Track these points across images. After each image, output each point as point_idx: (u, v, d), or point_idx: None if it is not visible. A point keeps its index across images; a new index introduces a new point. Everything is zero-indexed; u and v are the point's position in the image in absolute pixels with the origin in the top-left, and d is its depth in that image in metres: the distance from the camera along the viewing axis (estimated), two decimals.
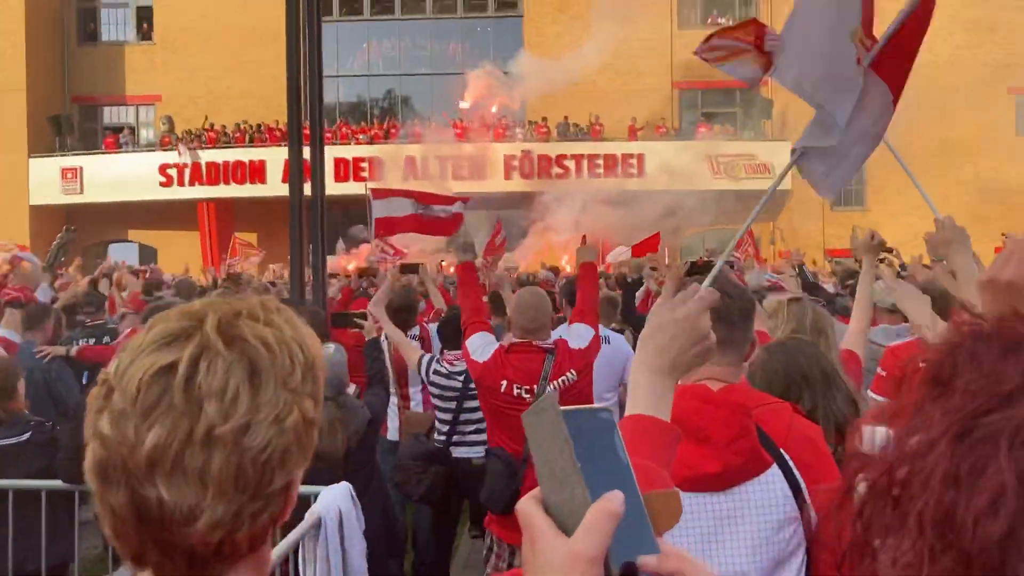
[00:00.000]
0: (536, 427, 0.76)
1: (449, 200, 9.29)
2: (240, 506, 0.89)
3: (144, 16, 26.67)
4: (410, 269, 7.68)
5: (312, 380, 0.96)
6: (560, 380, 4.03)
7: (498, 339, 4.50)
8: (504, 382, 4.01)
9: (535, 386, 3.98)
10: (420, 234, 8.90)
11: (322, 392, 0.99)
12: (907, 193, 23.13)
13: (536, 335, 4.13)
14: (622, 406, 3.83)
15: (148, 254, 25.74)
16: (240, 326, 0.93)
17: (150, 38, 26.58)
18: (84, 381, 6.16)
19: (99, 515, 0.92)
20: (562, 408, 0.74)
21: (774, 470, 1.84)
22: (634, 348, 5.67)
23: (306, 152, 6.49)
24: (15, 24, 24.61)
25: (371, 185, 9.14)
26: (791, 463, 1.86)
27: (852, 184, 24.07)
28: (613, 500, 0.70)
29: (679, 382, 1.42)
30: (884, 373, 4.43)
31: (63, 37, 26.44)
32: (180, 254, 22.47)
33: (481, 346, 4.17)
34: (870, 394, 4.27)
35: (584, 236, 5.54)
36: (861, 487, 0.65)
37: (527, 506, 0.75)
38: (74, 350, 5.99)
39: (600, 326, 4.68)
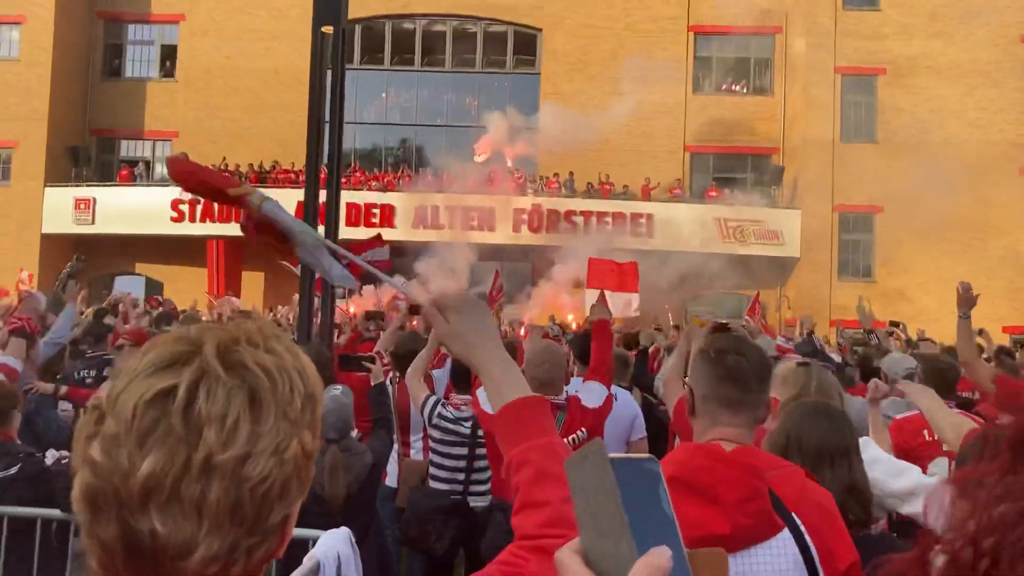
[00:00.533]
0: (579, 474, 0.72)
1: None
2: (236, 540, 0.85)
3: (168, 55, 27.15)
4: (418, 310, 7.56)
5: (311, 411, 0.92)
6: (571, 438, 3.96)
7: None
8: None
9: None
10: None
11: (319, 424, 0.95)
12: (914, 268, 23.21)
13: (549, 389, 4.08)
14: None
15: (155, 287, 25.80)
16: (240, 352, 0.89)
17: (172, 76, 27.02)
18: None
19: (86, 548, 0.86)
20: (610, 456, 0.72)
21: (785, 534, 1.82)
22: (642, 407, 5.63)
23: (321, 196, 6.55)
24: (43, 56, 25.04)
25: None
26: (803, 528, 1.83)
27: (860, 255, 24.16)
28: (661, 555, 0.67)
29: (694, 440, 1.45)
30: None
31: (87, 71, 26.89)
32: (186, 289, 22.54)
33: None
34: None
35: (602, 293, 5.49)
36: (939, 560, 0.61)
37: (567, 557, 0.72)
38: (64, 390, 5.85)
39: None
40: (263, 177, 24.58)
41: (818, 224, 23.56)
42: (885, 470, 2.95)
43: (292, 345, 0.95)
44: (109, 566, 0.85)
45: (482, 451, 4.72)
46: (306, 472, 0.91)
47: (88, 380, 6.52)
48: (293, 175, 24.18)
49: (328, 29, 6.75)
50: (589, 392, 4.22)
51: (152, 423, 0.83)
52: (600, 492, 0.71)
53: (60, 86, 25.44)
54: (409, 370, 5.06)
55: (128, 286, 22.55)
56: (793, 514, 1.85)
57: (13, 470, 3.82)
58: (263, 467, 0.85)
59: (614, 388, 5.27)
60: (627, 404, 5.47)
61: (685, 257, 21.24)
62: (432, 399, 4.93)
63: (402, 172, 25.64)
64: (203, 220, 23.95)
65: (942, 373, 4.69)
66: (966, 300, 4.33)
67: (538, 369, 4.12)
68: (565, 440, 3.62)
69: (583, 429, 4.02)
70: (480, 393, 4.20)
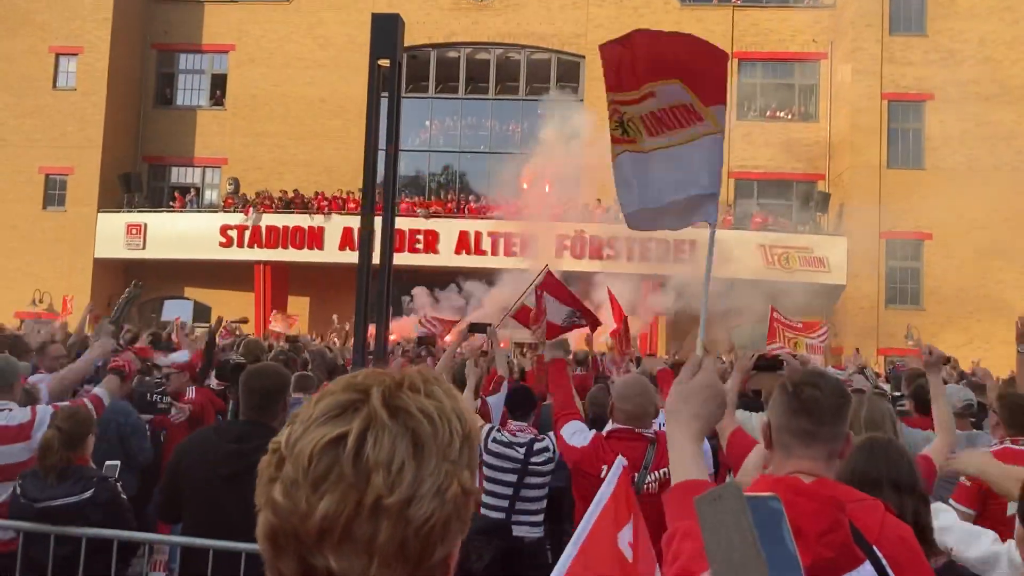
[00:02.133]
0: (713, 514, 0.76)
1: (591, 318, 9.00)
2: None
3: (218, 84, 27.74)
4: (479, 328, 7.46)
5: (469, 450, 0.97)
6: (661, 471, 3.91)
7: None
8: (605, 468, 3.85)
9: (635, 474, 3.87)
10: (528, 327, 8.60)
11: (477, 462, 1.00)
12: (963, 296, 22.77)
13: (639, 422, 4.06)
14: None
15: (203, 311, 26.20)
16: (403, 398, 0.95)
17: (222, 104, 27.59)
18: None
19: None
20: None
21: (866, 567, 1.81)
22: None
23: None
24: (98, 85, 25.74)
25: (510, 265, 8.88)
26: (884, 561, 1.83)
27: (908, 283, 23.78)
28: None
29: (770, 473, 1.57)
30: (969, 483, 4.15)
31: (140, 99, 27.56)
32: (233, 313, 22.84)
33: (576, 432, 4.12)
34: (952, 503, 4.07)
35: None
36: None
37: None
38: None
39: None
40: (306, 204, 24.85)
41: (865, 251, 23.24)
42: (958, 538, 2.90)
43: (451, 388, 1.01)
44: None
45: (532, 480, 4.69)
46: (466, 510, 0.95)
47: (161, 404, 6.76)
48: (340, 201, 24.47)
49: (384, 62, 6.89)
50: None
51: (326, 469, 0.90)
52: (736, 531, 0.74)
53: (114, 114, 26.11)
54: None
55: (177, 310, 23.00)
56: (874, 547, 1.85)
57: (87, 495, 3.91)
58: (427, 508, 0.90)
59: None
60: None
61: (728, 284, 21.04)
62: (487, 427, 4.93)
63: (447, 199, 25.82)
64: (251, 246, 24.32)
65: (1022, 409, 4.40)
66: (932, 364, 4.07)
67: (627, 403, 4.08)
68: (654, 473, 3.91)
69: None
70: (564, 431, 4.15)
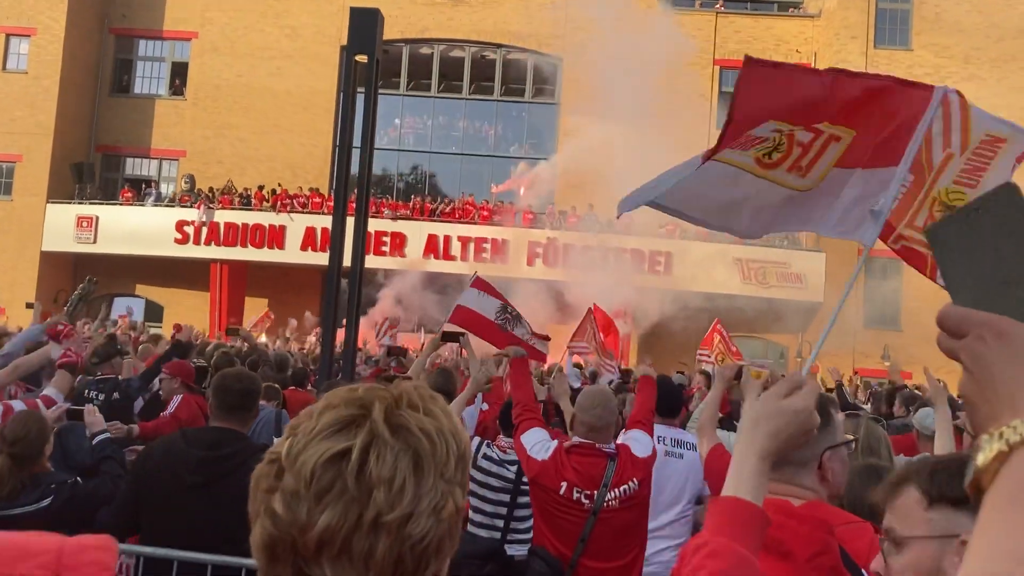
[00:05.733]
0: (966, 229, 0.71)
1: (541, 336, 8.92)
2: None
3: (179, 72, 26.66)
4: (451, 338, 7.14)
5: (462, 470, 0.99)
6: (622, 488, 3.96)
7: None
8: (564, 484, 3.92)
9: (595, 492, 3.91)
10: (482, 338, 8.47)
11: (467, 482, 1.02)
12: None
13: (599, 435, 4.05)
14: None
15: (154, 310, 25.13)
16: (404, 416, 0.96)
17: (182, 94, 26.48)
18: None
19: None
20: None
21: None
22: None
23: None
24: (51, 69, 24.61)
25: (480, 273, 8.78)
26: None
27: (886, 302, 23.35)
28: None
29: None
30: None
31: (95, 86, 26.40)
32: (187, 313, 21.80)
33: (538, 443, 4.10)
34: None
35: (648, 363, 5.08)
36: None
37: (956, 310, 0.72)
38: (136, 430, 5.86)
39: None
40: (268, 198, 23.85)
41: (843, 268, 22.77)
42: None
43: (446, 406, 1.03)
44: None
45: (525, 499, 4.59)
46: (456, 528, 0.98)
47: (96, 402, 6.33)
48: (303, 200, 23.52)
49: (362, 58, 6.78)
50: (636, 440, 4.21)
51: (329, 483, 0.91)
52: (1007, 241, 0.70)
53: (67, 100, 24.95)
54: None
55: (125, 309, 21.83)
56: (864, 570, 1.85)
57: (46, 503, 3.82)
58: (424, 526, 0.93)
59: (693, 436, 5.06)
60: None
61: (704, 298, 20.47)
62: (476, 441, 4.84)
63: (414, 201, 24.94)
64: (208, 243, 23.33)
65: None
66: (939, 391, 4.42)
67: (588, 414, 4.05)
68: (615, 491, 3.93)
69: (635, 479, 3.99)
70: (525, 439, 4.13)
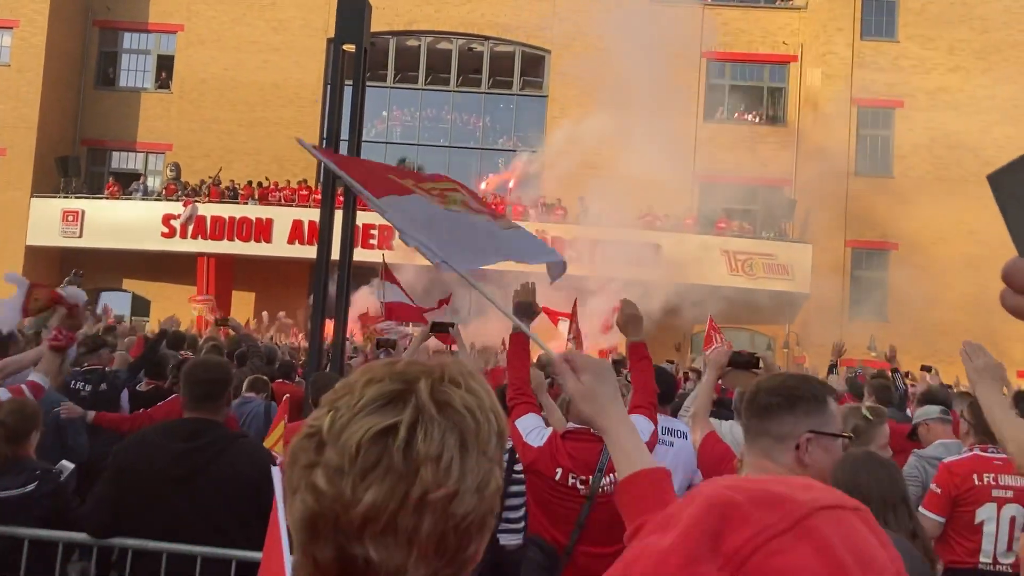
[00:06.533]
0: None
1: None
2: (436, 570, 0.92)
3: (164, 65, 26.44)
4: (441, 328, 6.92)
5: (501, 448, 0.98)
6: (615, 474, 3.40)
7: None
8: (559, 470, 3.86)
9: (590, 477, 3.82)
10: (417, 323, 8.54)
11: (503, 459, 1.01)
12: (927, 309, 22.47)
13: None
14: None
15: (141, 305, 24.99)
16: (448, 392, 0.95)
17: (168, 87, 26.29)
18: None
19: (296, 565, 0.94)
20: None
21: None
22: None
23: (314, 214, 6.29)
24: (35, 62, 24.36)
25: (388, 260, 8.78)
26: None
27: (873, 293, 23.44)
28: None
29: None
30: (939, 490, 4.39)
31: (80, 79, 26.17)
32: (174, 308, 21.64)
33: (533, 429, 4.01)
34: (922, 511, 4.27)
35: (624, 301, 4.18)
36: None
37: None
38: (91, 415, 5.86)
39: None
40: (256, 190, 23.74)
41: (830, 260, 22.86)
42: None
43: (485, 383, 1.01)
44: None
45: (515, 488, 4.36)
46: (495, 507, 0.97)
47: (83, 393, 6.55)
48: (290, 192, 23.42)
49: (350, 47, 6.72)
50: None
51: (375, 459, 0.90)
52: None
53: (51, 93, 24.71)
54: None
55: (114, 303, 21.70)
56: None
57: (30, 488, 3.86)
58: (468, 504, 0.92)
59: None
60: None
61: (691, 289, 20.51)
62: None
63: None
64: (195, 237, 23.19)
65: None
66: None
67: None
68: (610, 476, 3.74)
69: None
70: (520, 425, 3.99)
